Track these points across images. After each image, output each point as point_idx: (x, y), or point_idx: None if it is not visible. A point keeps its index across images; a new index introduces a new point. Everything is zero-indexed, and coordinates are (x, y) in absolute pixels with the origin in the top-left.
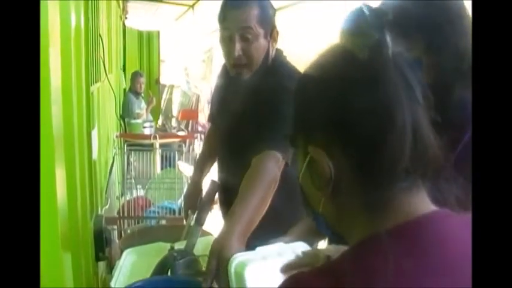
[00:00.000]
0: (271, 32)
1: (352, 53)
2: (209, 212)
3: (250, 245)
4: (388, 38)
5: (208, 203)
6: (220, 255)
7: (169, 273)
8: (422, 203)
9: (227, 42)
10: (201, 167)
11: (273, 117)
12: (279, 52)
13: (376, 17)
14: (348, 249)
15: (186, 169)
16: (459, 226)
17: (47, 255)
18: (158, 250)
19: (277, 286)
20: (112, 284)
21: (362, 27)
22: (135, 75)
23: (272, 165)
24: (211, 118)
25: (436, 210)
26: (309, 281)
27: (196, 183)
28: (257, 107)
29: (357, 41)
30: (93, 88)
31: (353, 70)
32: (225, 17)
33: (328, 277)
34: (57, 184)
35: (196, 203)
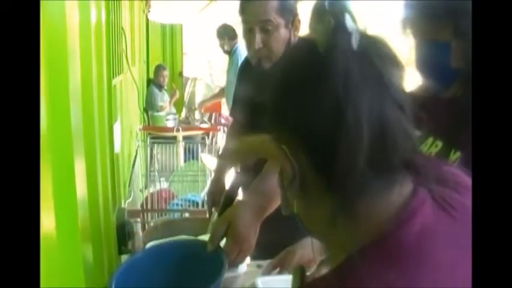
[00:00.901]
0: (292, 21)
1: (313, 44)
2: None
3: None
4: (350, 25)
5: (231, 198)
6: (231, 222)
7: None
8: (400, 208)
9: (248, 34)
10: (224, 163)
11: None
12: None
13: (334, 3)
14: (328, 272)
15: (210, 161)
16: (437, 228)
17: (67, 248)
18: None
19: None
20: None
21: (320, 13)
22: (159, 69)
23: None
24: (233, 113)
25: (412, 219)
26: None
27: (218, 180)
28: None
29: (316, 28)
30: (116, 81)
31: (311, 61)
32: (244, 10)
33: (334, 284)
34: (76, 178)
35: (219, 200)
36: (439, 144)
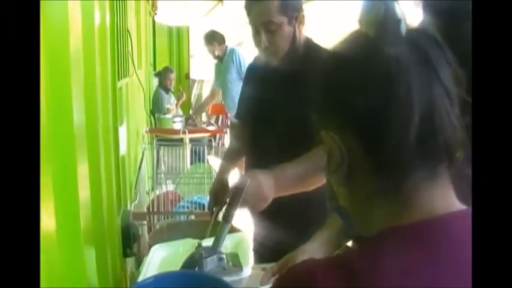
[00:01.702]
0: (296, 16)
1: (364, 33)
2: (237, 209)
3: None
4: (399, 12)
5: (237, 199)
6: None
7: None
8: (444, 198)
9: (254, 34)
10: (228, 164)
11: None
12: (307, 39)
13: None
14: (361, 243)
15: (216, 164)
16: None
17: (68, 250)
18: (187, 246)
19: (283, 273)
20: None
21: (371, 3)
22: (166, 71)
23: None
24: (239, 115)
25: (455, 211)
26: (315, 271)
27: (222, 180)
28: (288, 90)
29: (366, 20)
30: (121, 83)
31: (362, 46)
32: (249, 13)
33: (336, 268)
34: (79, 180)
35: (222, 200)
36: None
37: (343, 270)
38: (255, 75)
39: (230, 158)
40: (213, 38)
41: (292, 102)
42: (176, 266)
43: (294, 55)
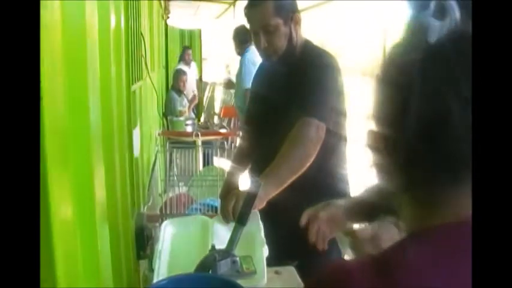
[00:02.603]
0: (292, 17)
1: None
2: (251, 211)
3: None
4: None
5: (250, 203)
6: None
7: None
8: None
9: (254, 36)
10: (236, 167)
11: (307, 89)
12: (306, 40)
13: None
14: (394, 244)
15: (228, 166)
16: None
17: (84, 252)
18: (196, 222)
19: (318, 274)
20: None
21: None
22: (178, 73)
23: (311, 130)
24: (249, 119)
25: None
26: (349, 271)
27: (231, 183)
28: (288, 86)
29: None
30: (135, 87)
31: (421, 47)
32: (247, 17)
33: (369, 268)
34: (95, 182)
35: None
36: None
37: (376, 271)
38: (258, 78)
39: (238, 160)
40: (236, 36)
41: (290, 100)
42: (186, 242)
43: (291, 53)
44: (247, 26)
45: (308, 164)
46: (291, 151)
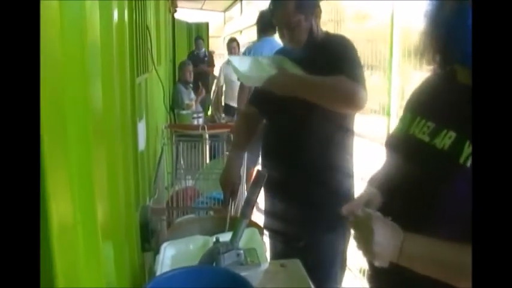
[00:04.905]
0: (312, 12)
1: None
2: (255, 204)
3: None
4: None
5: (255, 195)
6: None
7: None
8: None
9: (278, 30)
10: (237, 152)
11: (340, 61)
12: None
13: None
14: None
15: None
16: None
17: (86, 245)
18: (197, 243)
19: None
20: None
21: None
22: (183, 65)
23: (345, 81)
24: (255, 100)
25: None
26: None
27: (232, 170)
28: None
29: None
30: (140, 79)
31: None
32: (272, 14)
33: None
34: (96, 174)
35: (234, 188)
36: (453, 135)
37: None
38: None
39: (238, 146)
40: (258, 21)
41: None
42: (187, 263)
43: (312, 44)
44: (273, 20)
45: (336, 105)
46: (336, 81)
